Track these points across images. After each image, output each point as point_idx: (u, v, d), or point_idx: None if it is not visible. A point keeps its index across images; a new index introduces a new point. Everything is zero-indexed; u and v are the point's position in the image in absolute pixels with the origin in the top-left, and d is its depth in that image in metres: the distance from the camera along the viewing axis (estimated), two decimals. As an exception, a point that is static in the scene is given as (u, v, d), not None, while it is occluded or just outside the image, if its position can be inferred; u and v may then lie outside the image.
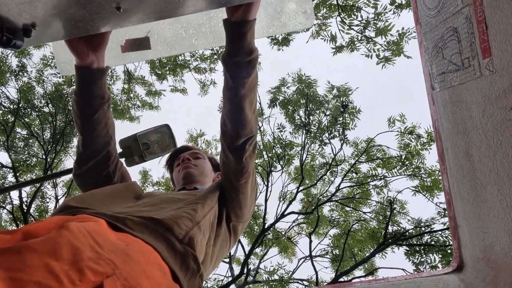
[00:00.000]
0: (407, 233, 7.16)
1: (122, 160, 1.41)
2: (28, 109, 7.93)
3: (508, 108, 0.77)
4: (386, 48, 5.98)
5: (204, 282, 0.84)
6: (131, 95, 8.33)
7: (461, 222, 1.07)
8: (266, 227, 7.81)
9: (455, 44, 0.93)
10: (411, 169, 7.23)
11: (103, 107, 1.02)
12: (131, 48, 1.10)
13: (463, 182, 1.01)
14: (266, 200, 7.91)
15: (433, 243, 6.61)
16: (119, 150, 1.50)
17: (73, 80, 7.36)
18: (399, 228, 7.36)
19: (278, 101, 7.68)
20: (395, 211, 7.36)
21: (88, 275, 0.50)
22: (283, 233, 8.33)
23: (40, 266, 0.48)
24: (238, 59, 0.91)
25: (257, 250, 8.36)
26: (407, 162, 7.22)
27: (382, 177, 7.54)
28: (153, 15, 0.82)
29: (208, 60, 7.68)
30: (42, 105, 7.94)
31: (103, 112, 1.03)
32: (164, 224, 0.76)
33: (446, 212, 1.18)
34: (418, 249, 6.72)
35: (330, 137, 7.73)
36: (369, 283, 1.16)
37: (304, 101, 7.48)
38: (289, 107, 7.60)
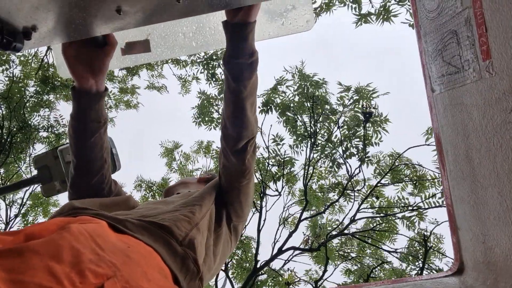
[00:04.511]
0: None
1: (40, 188, 1.00)
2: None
3: (508, 110, 0.77)
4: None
5: (204, 285, 0.84)
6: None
7: (462, 224, 1.07)
8: (259, 266, 5.89)
9: (455, 46, 0.93)
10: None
11: (99, 131, 1.01)
12: (131, 51, 1.10)
13: (463, 184, 1.01)
14: (259, 231, 5.95)
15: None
16: (35, 172, 1.14)
17: (29, 73, 6.27)
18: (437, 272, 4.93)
19: (274, 103, 5.82)
20: (430, 250, 5.46)
21: (89, 277, 0.50)
22: (280, 274, 6.20)
23: (42, 268, 0.48)
24: (240, 61, 0.91)
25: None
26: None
27: (416, 208, 5.52)
28: (153, 18, 0.83)
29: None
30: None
31: (99, 136, 1.02)
32: (164, 226, 0.76)
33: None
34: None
35: (345, 156, 5.62)
36: (369, 286, 1.16)
37: (309, 104, 5.63)
38: (288, 113, 5.86)
